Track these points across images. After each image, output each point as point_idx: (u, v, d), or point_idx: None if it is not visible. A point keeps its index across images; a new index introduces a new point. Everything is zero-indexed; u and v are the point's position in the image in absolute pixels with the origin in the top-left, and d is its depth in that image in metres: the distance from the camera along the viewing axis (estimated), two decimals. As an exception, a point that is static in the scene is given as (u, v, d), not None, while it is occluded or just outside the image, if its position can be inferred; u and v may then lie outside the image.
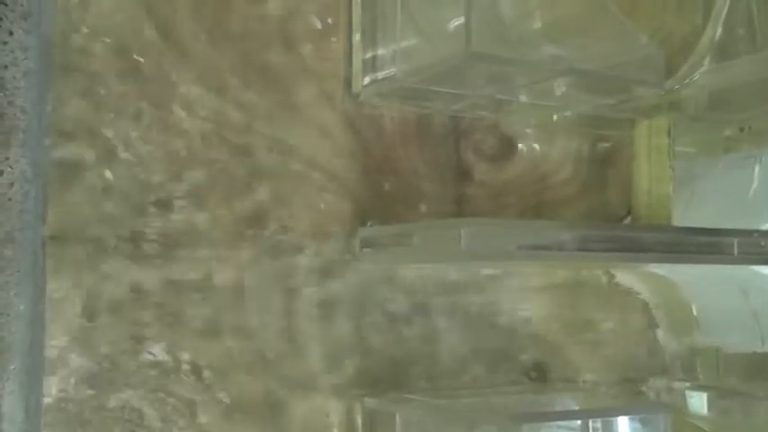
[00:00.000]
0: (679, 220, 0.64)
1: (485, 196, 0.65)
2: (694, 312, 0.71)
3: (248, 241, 0.56)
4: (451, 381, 0.62)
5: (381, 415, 0.57)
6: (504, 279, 0.65)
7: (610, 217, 0.69)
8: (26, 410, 0.46)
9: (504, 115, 0.65)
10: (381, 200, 0.61)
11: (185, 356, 0.53)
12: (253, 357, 0.56)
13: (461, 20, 0.51)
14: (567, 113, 0.67)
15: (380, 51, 0.58)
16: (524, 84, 0.59)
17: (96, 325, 0.50)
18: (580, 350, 0.68)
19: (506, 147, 0.66)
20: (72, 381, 0.48)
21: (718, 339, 0.71)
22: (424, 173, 0.63)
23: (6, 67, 0.45)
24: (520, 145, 0.67)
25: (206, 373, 0.54)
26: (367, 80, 0.59)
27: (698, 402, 0.69)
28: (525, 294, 0.66)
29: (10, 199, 0.45)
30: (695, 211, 0.69)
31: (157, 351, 0.52)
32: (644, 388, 0.70)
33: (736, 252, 0.57)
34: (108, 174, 0.52)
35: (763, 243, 0.58)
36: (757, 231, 0.59)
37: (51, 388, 0.47)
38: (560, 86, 0.59)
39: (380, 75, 0.58)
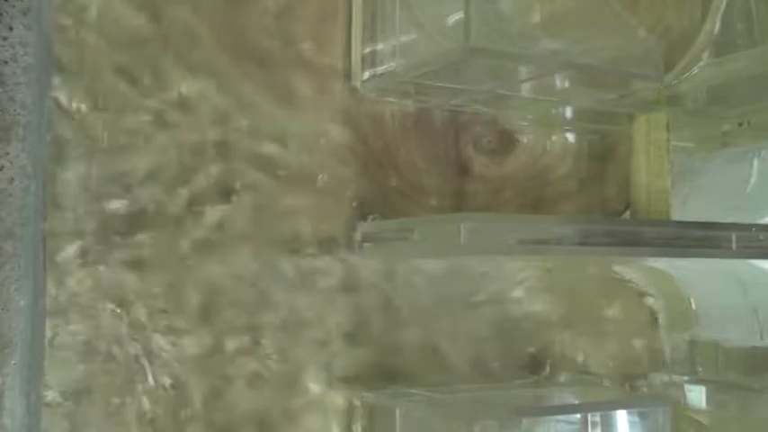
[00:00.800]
0: (678, 214, 0.64)
1: (484, 191, 0.65)
2: (693, 306, 0.71)
3: (248, 235, 0.56)
4: (451, 376, 0.62)
5: (381, 410, 0.57)
6: (504, 273, 0.65)
7: (608, 211, 0.70)
8: (27, 405, 0.46)
9: (503, 110, 0.65)
10: (381, 194, 0.61)
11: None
12: (252, 353, 0.56)
13: (461, 15, 0.51)
14: (566, 108, 0.67)
15: (380, 46, 0.58)
16: (523, 78, 0.59)
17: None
18: (580, 344, 0.68)
19: (506, 141, 0.66)
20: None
21: (717, 333, 0.71)
22: (424, 167, 0.63)
23: (6, 62, 0.44)
24: (519, 139, 0.67)
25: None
26: (366, 75, 0.59)
27: (697, 396, 0.69)
28: (525, 288, 0.66)
29: (10, 194, 0.44)
30: (694, 205, 0.69)
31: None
32: (643, 382, 0.70)
33: (734, 246, 0.57)
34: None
35: (761, 237, 0.58)
36: (756, 225, 0.59)
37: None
38: (559, 81, 0.60)
39: (380, 69, 0.58)
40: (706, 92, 0.66)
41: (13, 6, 0.44)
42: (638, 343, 0.71)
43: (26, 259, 0.45)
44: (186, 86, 0.55)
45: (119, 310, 0.52)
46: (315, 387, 0.58)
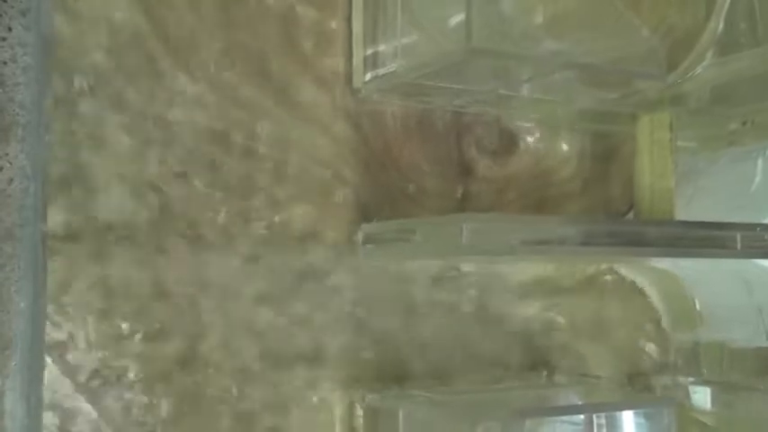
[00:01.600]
0: (682, 214, 0.63)
1: (487, 192, 0.65)
2: (698, 307, 0.71)
3: (250, 237, 0.56)
4: (454, 376, 0.62)
5: (383, 411, 0.57)
6: (507, 274, 0.65)
7: (612, 212, 0.69)
8: (27, 408, 0.46)
9: (505, 110, 0.65)
10: (383, 196, 0.61)
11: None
12: (254, 352, 0.56)
13: (462, 16, 0.51)
14: (569, 108, 0.67)
15: (381, 47, 0.58)
16: (526, 79, 0.59)
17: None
18: (584, 345, 0.68)
19: (508, 142, 0.66)
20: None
21: (722, 334, 0.71)
22: (426, 169, 0.62)
23: (5, 63, 0.44)
24: (522, 140, 0.66)
25: (210, 370, 0.54)
26: (368, 76, 0.59)
27: (702, 397, 0.68)
28: (529, 289, 0.66)
29: (9, 195, 0.44)
30: (698, 205, 0.69)
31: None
32: (648, 383, 0.70)
33: (739, 246, 0.57)
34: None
35: (766, 237, 0.58)
36: (760, 225, 0.59)
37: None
38: (562, 81, 0.59)
39: (382, 71, 0.58)
40: (710, 91, 0.66)
41: (12, 7, 0.44)
42: (642, 344, 0.70)
43: (26, 260, 0.45)
44: (185, 87, 0.54)
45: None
46: (316, 388, 0.57)
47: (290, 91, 0.58)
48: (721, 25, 0.63)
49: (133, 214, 0.52)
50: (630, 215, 0.68)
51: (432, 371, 0.61)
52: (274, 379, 0.56)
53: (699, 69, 0.63)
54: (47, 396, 0.49)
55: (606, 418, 0.54)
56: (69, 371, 0.50)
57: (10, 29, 0.45)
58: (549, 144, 0.67)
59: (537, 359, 0.66)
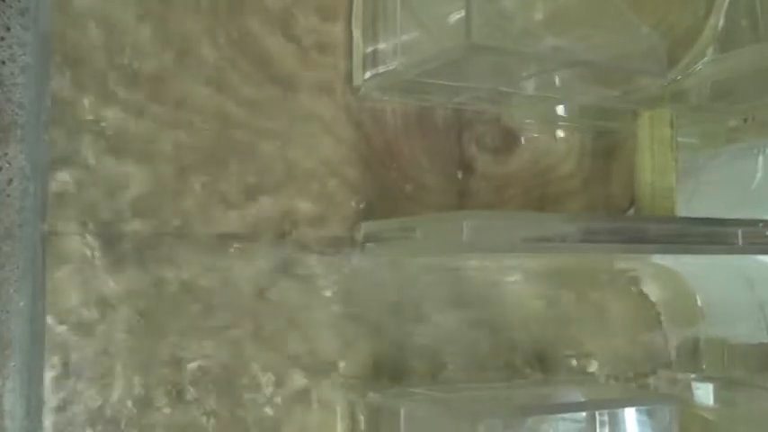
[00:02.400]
0: (683, 211, 0.63)
1: (487, 189, 0.65)
2: (699, 303, 0.71)
3: (251, 236, 0.56)
4: (455, 374, 0.62)
5: (385, 410, 0.57)
6: (507, 270, 0.65)
7: (613, 209, 0.69)
8: (27, 408, 0.46)
9: (506, 108, 0.65)
10: (384, 194, 0.61)
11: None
12: (257, 351, 0.56)
13: (462, 12, 0.51)
14: (570, 105, 0.67)
15: (381, 45, 0.58)
16: (526, 76, 0.59)
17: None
18: (585, 342, 0.68)
19: (509, 139, 0.66)
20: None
21: (724, 330, 0.71)
22: (427, 166, 0.62)
23: (4, 62, 0.45)
24: (522, 137, 0.66)
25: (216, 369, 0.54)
26: (368, 74, 0.59)
27: (704, 394, 0.68)
28: (530, 287, 0.66)
29: (9, 195, 0.44)
30: (699, 201, 0.68)
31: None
32: (649, 380, 0.70)
33: (740, 242, 0.57)
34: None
35: (767, 233, 0.58)
36: (762, 221, 0.59)
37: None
38: (562, 78, 0.59)
39: (381, 68, 0.58)
40: (710, 88, 0.66)
41: (11, 7, 0.44)
42: (643, 340, 0.70)
43: (25, 260, 0.45)
44: (185, 86, 0.54)
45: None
46: (318, 387, 0.57)
47: (289, 90, 0.58)
48: (722, 22, 0.63)
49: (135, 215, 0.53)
50: (631, 212, 0.68)
51: (431, 368, 0.61)
52: (275, 377, 0.56)
53: (699, 66, 0.63)
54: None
55: (609, 415, 0.54)
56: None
57: (8, 28, 0.45)
58: (550, 141, 0.67)
59: (538, 356, 0.66)
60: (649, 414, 0.56)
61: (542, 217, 0.57)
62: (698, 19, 0.63)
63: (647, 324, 0.71)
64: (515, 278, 0.65)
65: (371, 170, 0.60)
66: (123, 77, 0.53)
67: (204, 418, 0.54)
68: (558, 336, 0.67)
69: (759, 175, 0.69)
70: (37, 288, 0.47)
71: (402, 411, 0.55)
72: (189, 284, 0.54)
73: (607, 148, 0.70)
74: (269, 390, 0.56)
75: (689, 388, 0.69)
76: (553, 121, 0.67)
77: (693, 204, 0.68)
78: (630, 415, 0.56)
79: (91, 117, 0.51)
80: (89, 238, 0.51)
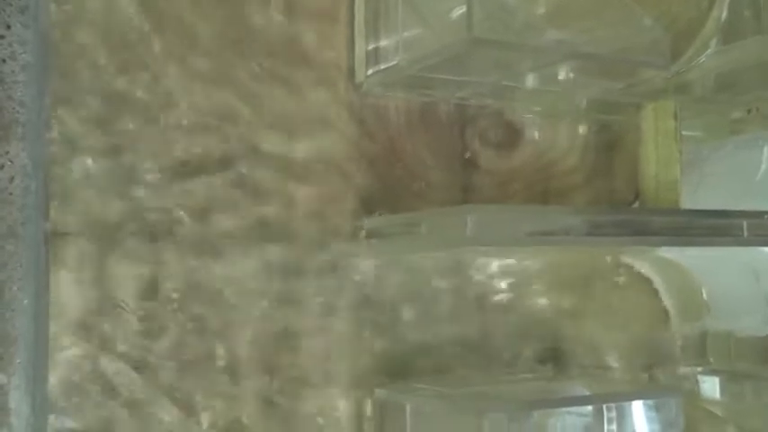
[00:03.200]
0: (688, 203, 0.63)
1: (491, 184, 0.64)
2: (705, 296, 0.71)
3: (254, 233, 0.56)
4: (462, 368, 0.62)
5: (391, 405, 0.57)
6: (513, 265, 0.65)
7: (617, 203, 0.69)
8: (32, 404, 0.46)
9: (508, 102, 0.65)
10: (387, 190, 0.61)
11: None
12: (261, 348, 0.56)
13: (464, 7, 0.50)
14: (573, 99, 0.66)
15: (383, 41, 0.58)
16: (529, 69, 0.59)
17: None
18: (591, 336, 0.68)
19: (512, 134, 0.66)
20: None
21: (730, 323, 0.71)
22: (430, 162, 0.62)
23: (5, 60, 0.44)
24: (526, 132, 0.66)
25: (219, 363, 0.54)
26: (370, 70, 0.59)
27: (711, 387, 0.68)
28: (535, 280, 0.66)
29: (11, 193, 0.44)
30: (704, 193, 0.68)
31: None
32: (656, 373, 0.70)
33: (745, 234, 0.57)
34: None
35: (773, 224, 0.58)
36: (767, 213, 0.59)
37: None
38: (565, 71, 0.59)
39: (384, 64, 0.58)
40: (714, 80, 0.66)
41: (11, 4, 0.44)
42: (649, 334, 0.70)
43: (28, 258, 0.45)
44: (188, 83, 0.54)
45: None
46: (324, 383, 0.57)
47: (292, 87, 0.58)
48: (725, 13, 0.63)
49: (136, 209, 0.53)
50: (636, 206, 0.68)
51: (437, 364, 0.61)
52: (282, 373, 0.56)
53: (703, 58, 0.63)
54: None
55: (615, 409, 0.54)
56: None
57: (9, 26, 0.45)
58: (553, 135, 0.67)
59: (544, 350, 0.65)
60: (656, 407, 0.56)
61: (546, 210, 0.57)
62: (701, 11, 0.63)
63: (652, 318, 0.70)
64: (522, 272, 0.65)
65: (374, 166, 0.60)
66: (123, 73, 0.52)
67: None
68: (564, 330, 0.66)
69: (763, 166, 0.68)
70: (40, 286, 0.47)
71: (408, 407, 0.55)
72: (192, 283, 0.54)
73: (611, 142, 0.69)
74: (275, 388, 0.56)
75: (695, 381, 0.69)
76: (556, 114, 0.67)
77: (698, 196, 0.67)
78: (637, 408, 0.56)
79: (92, 115, 0.51)
80: (92, 236, 0.51)
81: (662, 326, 0.71)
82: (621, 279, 0.69)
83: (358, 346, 0.59)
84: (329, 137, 0.59)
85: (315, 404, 0.57)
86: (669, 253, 0.68)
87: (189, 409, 0.53)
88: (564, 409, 0.54)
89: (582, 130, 0.68)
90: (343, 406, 0.58)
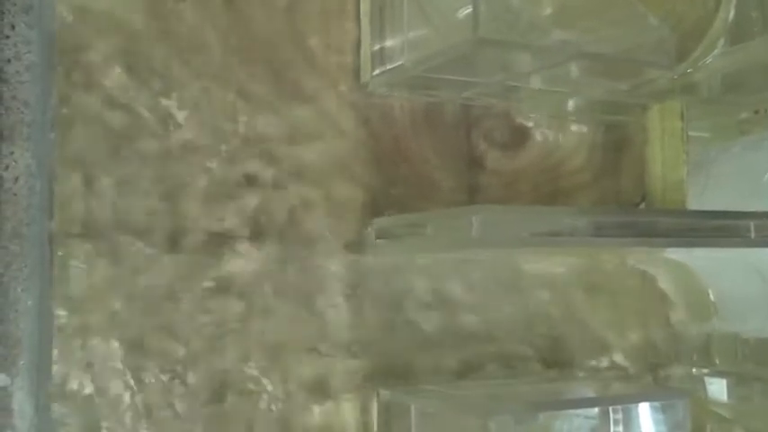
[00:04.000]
0: (694, 204, 0.63)
1: (497, 185, 0.64)
2: (712, 298, 0.71)
3: (262, 234, 0.56)
4: (466, 371, 0.62)
5: (396, 406, 0.57)
6: (518, 265, 0.65)
7: (624, 203, 0.69)
8: (36, 405, 0.46)
9: (515, 102, 0.65)
10: (393, 190, 0.60)
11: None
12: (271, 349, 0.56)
13: (469, 8, 0.50)
14: (579, 99, 0.66)
15: (389, 42, 0.58)
16: (535, 69, 0.59)
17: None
18: (597, 338, 0.67)
19: (518, 134, 0.66)
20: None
21: (737, 325, 0.70)
22: (436, 162, 0.62)
23: (9, 60, 0.44)
24: (532, 132, 0.66)
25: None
26: (376, 71, 0.59)
27: (718, 389, 0.68)
28: (541, 281, 0.65)
29: (15, 194, 0.44)
30: (711, 194, 0.68)
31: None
32: (662, 375, 0.70)
33: (753, 235, 0.57)
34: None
35: (780, 226, 0.57)
36: (774, 214, 0.58)
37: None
38: (571, 71, 0.59)
39: (389, 65, 0.58)
40: (721, 80, 0.66)
41: (15, 4, 0.44)
42: (656, 335, 0.70)
43: (32, 259, 0.45)
44: (193, 85, 0.54)
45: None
46: (329, 383, 0.57)
47: (298, 87, 0.58)
48: (732, 14, 0.62)
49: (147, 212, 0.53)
50: (643, 206, 0.67)
51: (442, 365, 0.61)
52: (286, 373, 0.56)
53: (710, 58, 0.62)
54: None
55: (621, 410, 0.54)
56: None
57: (13, 26, 0.45)
58: (559, 136, 0.67)
59: (549, 351, 0.65)
60: (663, 409, 0.56)
61: (552, 211, 0.56)
62: (708, 11, 0.63)
63: (659, 319, 0.70)
64: (527, 272, 0.65)
65: (380, 166, 0.60)
66: (128, 74, 0.52)
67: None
68: (570, 331, 0.66)
69: (771, 166, 0.68)
70: (45, 286, 0.47)
71: (413, 408, 0.55)
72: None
73: (617, 142, 0.69)
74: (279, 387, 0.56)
75: (702, 383, 0.69)
76: (562, 115, 0.67)
77: (705, 197, 0.67)
78: (643, 410, 0.55)
79: (97, 115, 0.51)
80: (95, 237, 0.51)
81: (668, 327, 0.70)
82: (627, 280, 0.69)
83: (365, 346, 0.59)
84: (334, 137, 0.59)
85: (321, 403, 0.57)
86: (676, 254, 0.68)
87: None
88: (570, 411, 0.53)
89: (588, 130, 0.68)
90: (347, 407, 0.58)
